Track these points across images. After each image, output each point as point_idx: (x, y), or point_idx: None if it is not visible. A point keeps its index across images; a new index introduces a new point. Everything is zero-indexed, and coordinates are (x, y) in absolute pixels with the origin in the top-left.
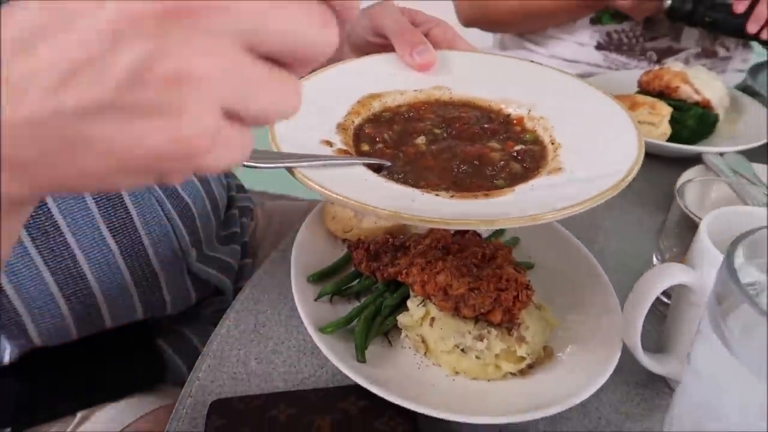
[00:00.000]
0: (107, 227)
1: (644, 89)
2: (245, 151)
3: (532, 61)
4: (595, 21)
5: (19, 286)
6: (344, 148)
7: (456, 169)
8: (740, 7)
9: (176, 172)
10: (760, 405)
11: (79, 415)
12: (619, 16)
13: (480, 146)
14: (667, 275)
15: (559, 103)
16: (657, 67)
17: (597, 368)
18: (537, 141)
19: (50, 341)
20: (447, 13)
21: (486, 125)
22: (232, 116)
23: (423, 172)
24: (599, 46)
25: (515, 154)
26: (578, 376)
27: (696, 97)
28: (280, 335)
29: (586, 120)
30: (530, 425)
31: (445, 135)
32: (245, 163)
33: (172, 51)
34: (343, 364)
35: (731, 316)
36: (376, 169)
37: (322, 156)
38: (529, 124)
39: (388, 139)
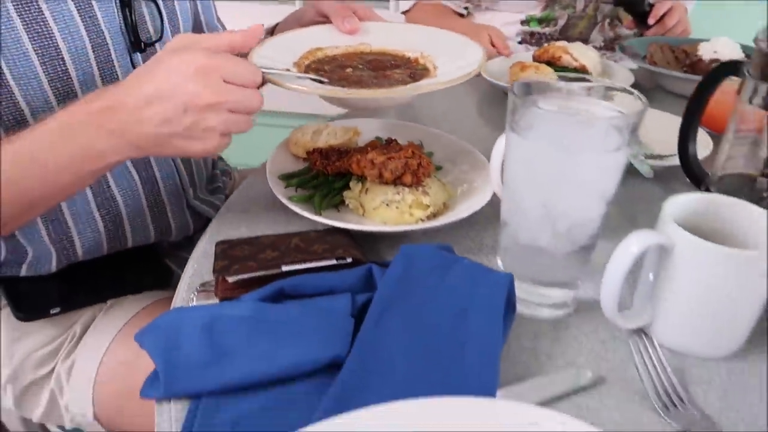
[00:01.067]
0: (130, 161)
1: (536, 61)
2: (228, 144)
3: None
4: (523, 23)
5: (70, 204)
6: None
7: (372, 82)
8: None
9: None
10: (536, 166)
11: (109, 302)
12: (544, 21)
13: (388, 72)
14: None
15: (439, 46)
16: None
17: (474, 207)
18: (425, 68)
19: (88, 254)
20: None
21: (392, 62)
22: (224, 135)
23: (351, 84)
24: (522, 41)
25: (410, 75)
26: (464, 213)
27: (575, 64)
28: (261, 216)
29: (454, 52)
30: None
31: (365, 69)
32: None
33: (207, 117)
34: (306, 214)
35: (520, 121)
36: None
37: (287, 73)
38: (420, 60)
39: (328, 70)
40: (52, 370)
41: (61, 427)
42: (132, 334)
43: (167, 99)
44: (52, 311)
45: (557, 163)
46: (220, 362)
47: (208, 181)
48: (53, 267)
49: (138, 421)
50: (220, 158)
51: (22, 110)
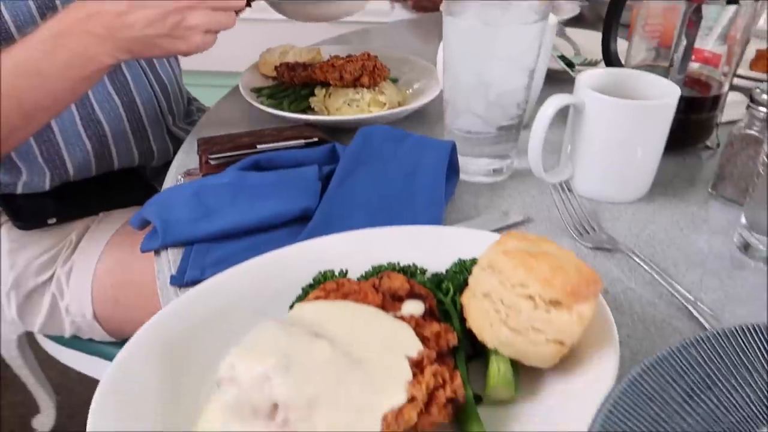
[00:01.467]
0: (112, 86)
1: None
2: (213, 42)
3: None
4: None
5: (61, 126)
6: None
7: None
8: None
9: (185, 54)
10: (469, 42)
11: (101, 214)
12: None
13: None
14: None
15: None
16: None
17: (425, 101)
18: None
19: (79, 174)
20: None
21: None
22: (208, 32)
23: None
24: None
25: None
26: (416, 105)
27: None
28: (237, 123)
29: None
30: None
31: None
32: None
33: (187, 17)
34: (277, 111)
35: (455, 6)
36: None
37: None
38: None
39: None
40: (52, 275)
41: (58, 341)
42: (125, 237)
43: (147, 5)
44: (49, 221)
45: (486, 38)
46: (209, 216)
47: (186, 115)
48: (47, 185)
49: (133, 313)
50: (195, 99)
51: (13, 35)
